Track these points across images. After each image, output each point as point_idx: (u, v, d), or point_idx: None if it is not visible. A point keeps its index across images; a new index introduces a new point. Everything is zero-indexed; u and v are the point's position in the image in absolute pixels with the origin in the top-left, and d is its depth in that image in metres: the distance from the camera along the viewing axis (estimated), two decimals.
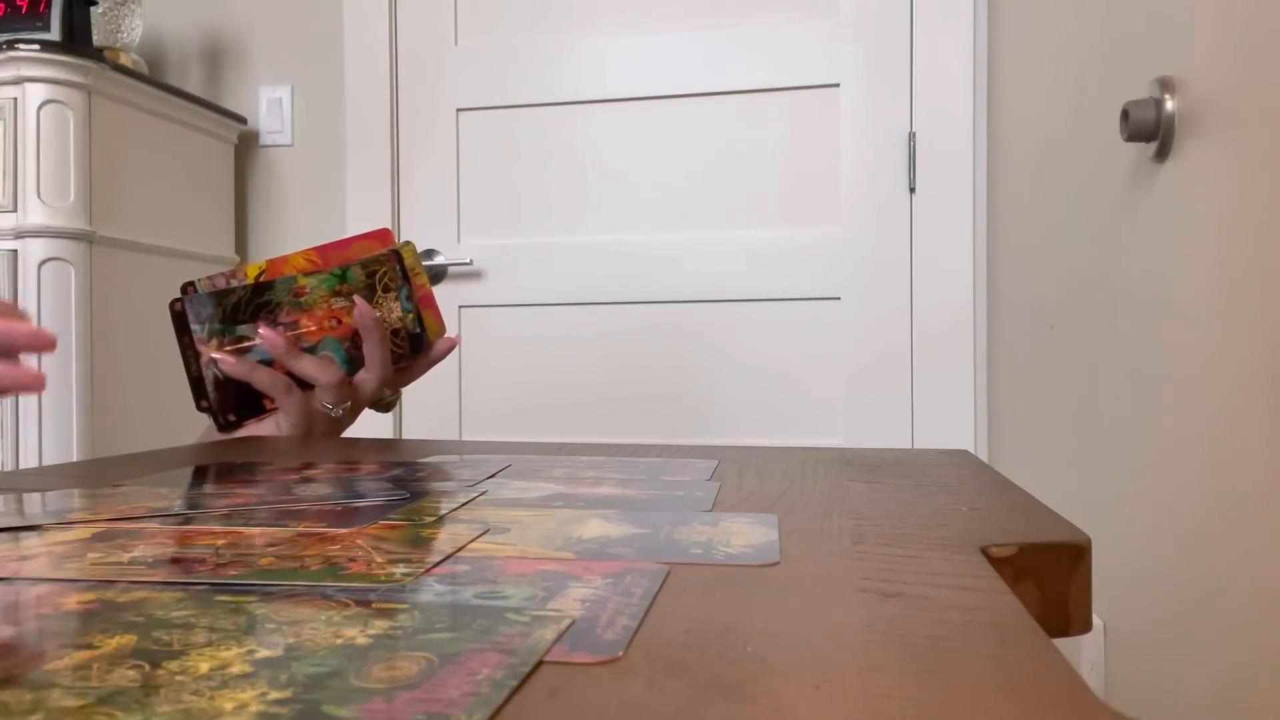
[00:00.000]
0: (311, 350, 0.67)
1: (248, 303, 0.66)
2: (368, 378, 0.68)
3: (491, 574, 0.25)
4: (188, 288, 0.66)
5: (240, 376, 0.65)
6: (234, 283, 0.67)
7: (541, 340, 1.81)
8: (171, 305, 0.66)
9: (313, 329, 0.67)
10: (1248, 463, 0.77)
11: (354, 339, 0.67)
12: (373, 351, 0.67)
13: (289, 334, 0.66)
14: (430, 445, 0.59)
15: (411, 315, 0.69)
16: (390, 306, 0.68)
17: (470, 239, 1.84)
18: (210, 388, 0.67)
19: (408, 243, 0.70)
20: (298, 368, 0.66)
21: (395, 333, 0.69)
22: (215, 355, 0.65)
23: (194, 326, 0.66)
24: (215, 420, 0.68)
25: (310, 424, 0.68)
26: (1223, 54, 0.82)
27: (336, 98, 1.88)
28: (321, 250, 0.69)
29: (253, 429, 0.68)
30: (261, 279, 0.67)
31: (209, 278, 0.67)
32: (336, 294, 0.67)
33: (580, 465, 0.48)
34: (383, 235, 0.71)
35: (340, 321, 0.67)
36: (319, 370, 0.66)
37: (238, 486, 0.41)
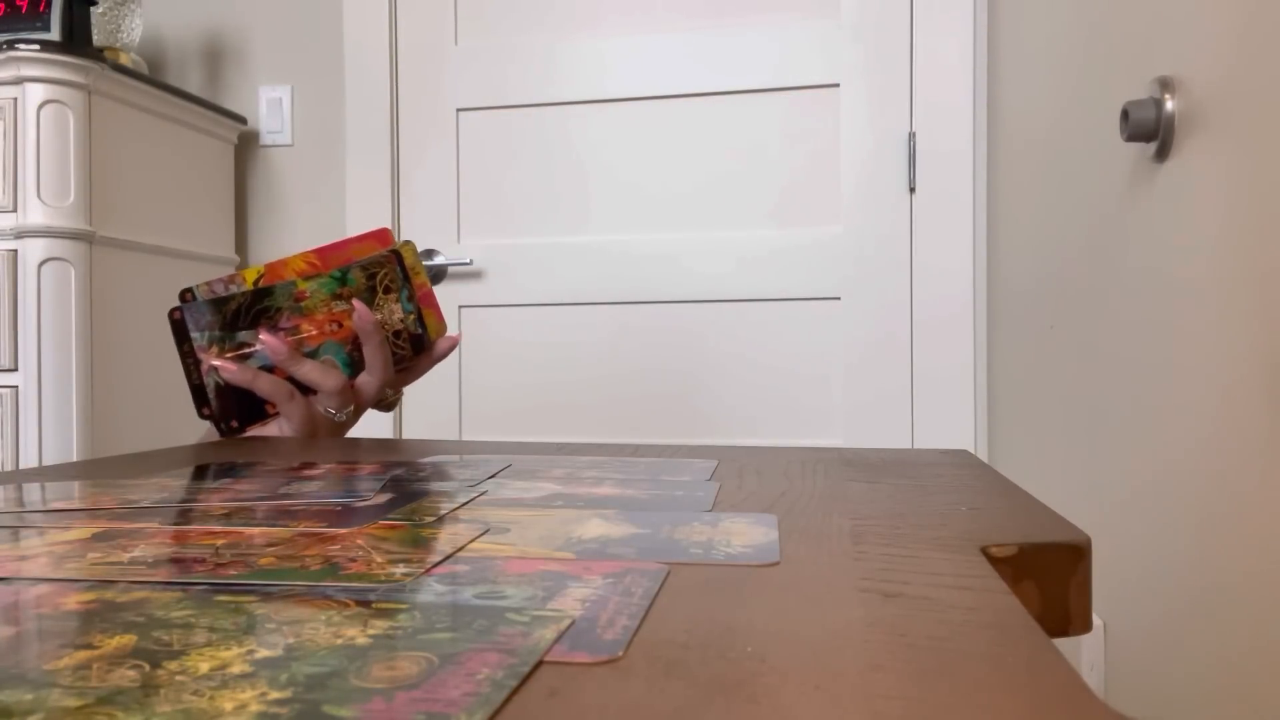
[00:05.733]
0: (313, 354, 0.66)
1: (247, 309, 0.65)
2: (369, 381, 0.68)
3: (491, 574, 0.25)
4: (186, 295, 0.66)
5: (242, 383, 0.65)
6: (233, 289, 0.66)
7: (542, 340, 1.81)
8: (170, 314, 0.65)
9: (314, 333, 0.66)
10: (1248, 463, 0.77)
11: (356, 342, 0.67)
12: (373, 355, 0.66)
13: (290, 339, 0.66)
14: (430, 445, 0.59)
15: (413, 316, 0.68)
16: (391, 308, 0.68)
17: (470, 239, 1.84)
18: (212, 395, 0.66)
19: (407, 242, 0.69)
20: (299, 373, 0.65)
21: (397, 334, 0.68)
22: (216, 363, 0.65)
23: (194, 334, 0.65)
24: (218, 427, 0.67)
25: (313, 428, 0.68)
26: (1223, 54, 0.82)
27: (336, 98, 1.89)
28: (320, 252, 0.69)
29: (256, 434, 0.68)
30: (260, 284, 0.67)
31: (207, 284, 0.66)
32: (337, 297, 0.66)
33: (580, 465, 0.48)
34: (382, 235, 0.71)
35: (341, 325, 0.67)
36: (321, 376, 0.65)
37: (238, 486, 0.41)
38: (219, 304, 0.65)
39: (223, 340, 0.66)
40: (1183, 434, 0.89)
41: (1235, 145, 0.79)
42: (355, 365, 0.68)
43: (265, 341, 0.64)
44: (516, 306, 1.82)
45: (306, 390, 0.67)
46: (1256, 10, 0.76)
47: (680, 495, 0.38)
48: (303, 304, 0.66)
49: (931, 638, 0.20)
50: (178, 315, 0.65)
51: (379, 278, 0.67)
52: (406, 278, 0.68)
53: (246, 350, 0.66)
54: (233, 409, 0.67)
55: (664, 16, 1.76)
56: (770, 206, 1.73)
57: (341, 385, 0.66)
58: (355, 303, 0.65)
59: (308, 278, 0.66)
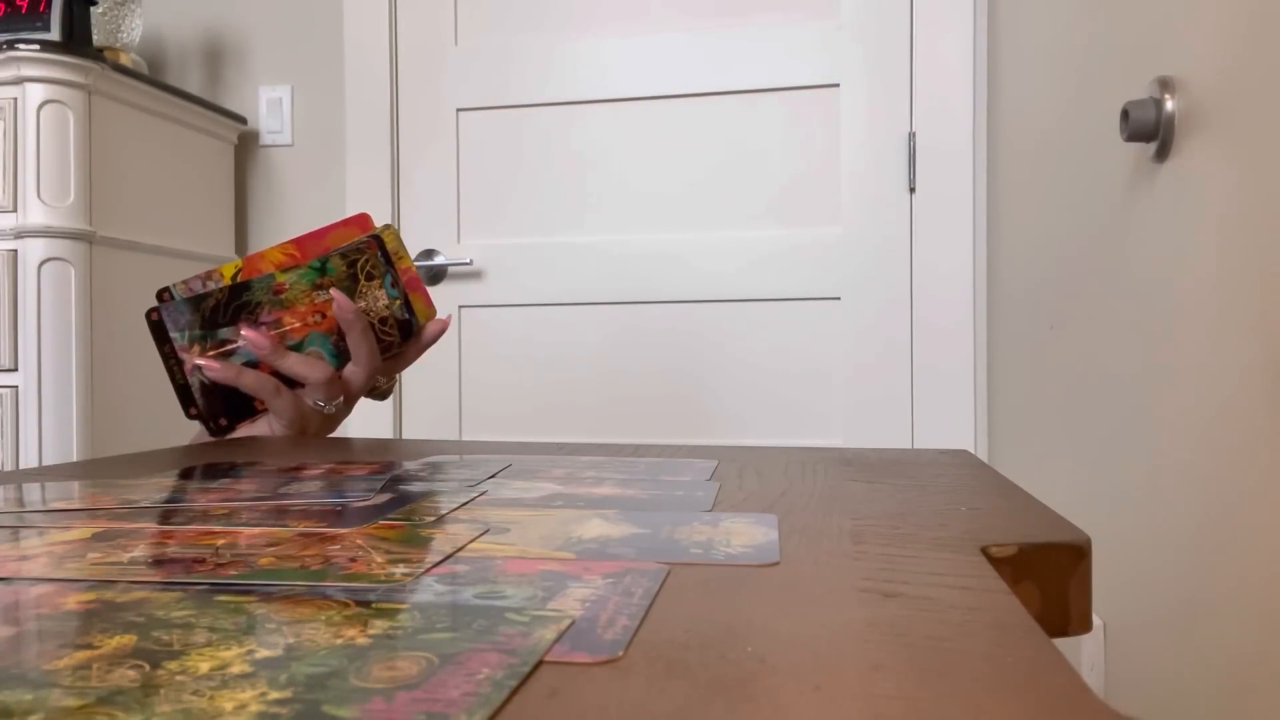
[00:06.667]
0: (298, 347, 0.65)
1: (226, 305, 0.64)
2: (356, 371, 0.66)
3: (491, 574, 0.25)
4: (163, 294, 0.64)
5: (226, 381, 0.64)
6: (210, 285, 0.65)
7: (541, 340, 1.81)
8: (148, 315, 0.64)
9: (297, 325, 0.65)
10: (1248, 462, 0.77)
11: (340, 332, 0.65)
12: (357, 344, 0.65)
13: (273, 333, 0.64)
14: (430, 445, 0.59)
15: (399, 301, 0.66)
16: (375, 295, 0.66)
17: (470, 239, 1.84)
18: (198, 394, 0.65)
19: (388, 226, 0.68)
20: (284, 367, 0.64)
21: (383, 320, 0.67)
22: (199, 361, 0.64)
23: (173, 334, 0.64)
24: (207, 426, 0.66)
25: (303, 422, 0.66)
26: (1223, 54, 0.82)
27: (336, 98, 1.89)
28: (299, 242, 0.67)
29: (246, 431, 0.67)
30: (238, 278, 0.65)
31: (184, 282, 0.65)
32: (318, 287, 0.65)
33: (580, 465, 0.48)
34: (361, 221, 0.69)
35: (324, 315, 0.65)
36: (307, 368, 0.64)
37: (237, 486, 0.41)
38: (197, 302, 0.64)
39: (204, 338, 0.64)
40: (1183, 434, 0.89)
41: (1235, 145, 0.79)
42: (342, 356, 0.66)
43: (247, 337, 0.63)
44: (516, 306, 1.82)
45: (293, 384, 0.65)
46: (1256, 10, 0.76)
47: (680, 495, 0.38)
48: (283, 296, 0.65)
49: (931, 638, 0.20)
50: (155, 316, 0.64)
51: (360, 264, 0.65)
52: (389, 262, 0.66)
53: (229, 347, 0.64)
54: (220, 407, 0.65)
55: (664, 16, 1.76)
56: (770, 206, 1.73)
57: (328, 377, 0.65)
58: (334, 292, 0.64)
59: (286, 269, 0.65)
